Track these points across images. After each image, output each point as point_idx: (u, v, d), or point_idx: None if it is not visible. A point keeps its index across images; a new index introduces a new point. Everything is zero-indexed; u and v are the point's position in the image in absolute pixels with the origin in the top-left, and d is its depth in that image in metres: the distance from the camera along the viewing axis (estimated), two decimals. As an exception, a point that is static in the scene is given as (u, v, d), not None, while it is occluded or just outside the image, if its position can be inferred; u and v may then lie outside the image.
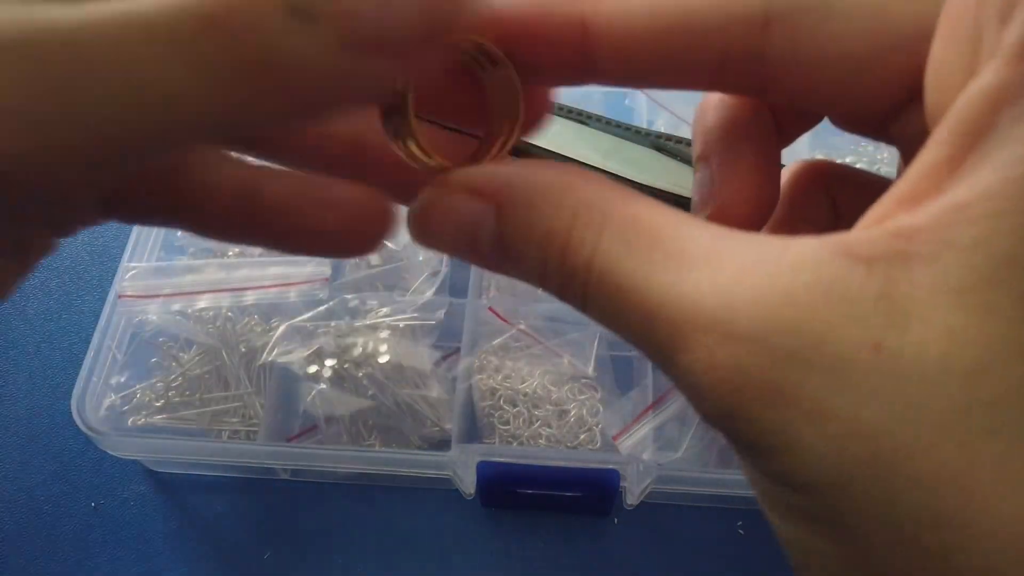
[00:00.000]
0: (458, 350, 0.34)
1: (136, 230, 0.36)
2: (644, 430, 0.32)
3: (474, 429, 0.34)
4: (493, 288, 0.37)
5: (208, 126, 0.12)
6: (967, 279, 0.11)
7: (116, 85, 0.11)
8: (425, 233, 0.16)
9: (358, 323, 0.34)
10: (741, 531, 0.33)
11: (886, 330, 0.12)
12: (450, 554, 0.32)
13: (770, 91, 0.16)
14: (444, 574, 0.32)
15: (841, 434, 0.12)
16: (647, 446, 0.31)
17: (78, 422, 0.31)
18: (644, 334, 0.14)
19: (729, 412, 0.13)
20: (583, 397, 0.34)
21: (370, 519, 0.33)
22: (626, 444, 0.32)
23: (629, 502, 0.31)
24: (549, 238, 0.15)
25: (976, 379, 0.12)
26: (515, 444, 0.33)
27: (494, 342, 0.35)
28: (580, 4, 0.16)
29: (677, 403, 0.34)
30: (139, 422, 0.33)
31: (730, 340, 0.12)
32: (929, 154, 0.12)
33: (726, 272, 0.13)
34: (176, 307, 0.35)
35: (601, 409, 0.34)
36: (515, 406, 0.33)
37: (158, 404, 0.34)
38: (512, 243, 0.16)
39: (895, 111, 0.14)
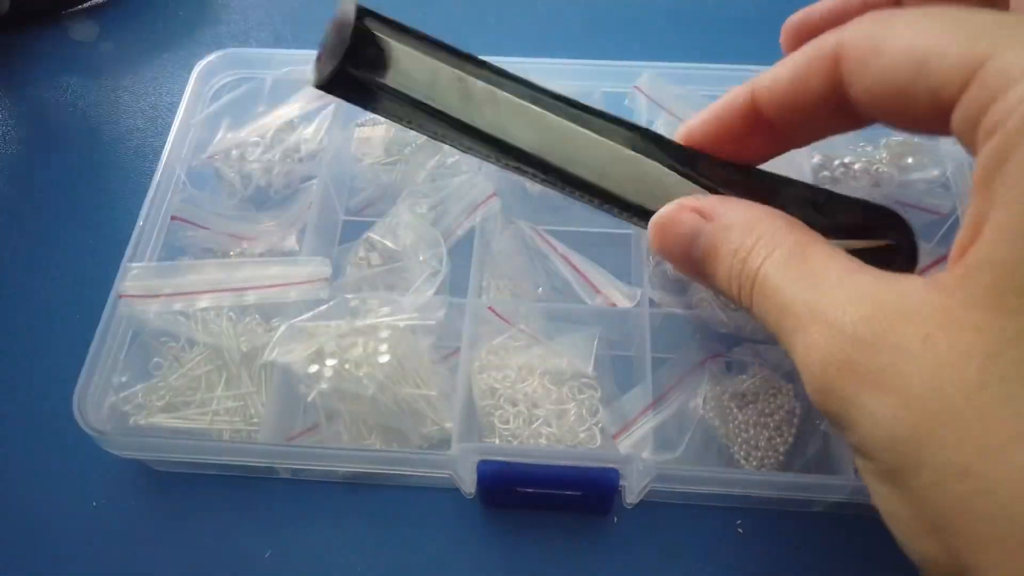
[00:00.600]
0: (458, 350, 0.34)
1: (137, 230, 0.36)
2: (643, 429, 0.32)
3: (474, 428, 0.34)
4: (493, 288, 0.37)
5: None
6: (980, 301, 0.16)
7: None
8: (658, 234, 0.24)
9: (359, 323, 0.34)
10: (740, 530, 0.33)
11: (935, 327, 0.16)
12: (450, 554, 0.32)
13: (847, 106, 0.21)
14: (444, 574, 0.32)
15: (896, 404, 0.16)
16: (646, 445, 0.31)
17: (79, 421, 0.31)
18: (779, 323, 0.19)
19: (822, 386, 0.18)
20: (583, 396, 0.34)
21: (370, 518, 0.33)
22: (626, 443, 0.32)
23: (629, 501, 0.31)
24: (738, 251, 0.21)
25: (990, 361, 0.15)
26: (515, 443, 0.33)
27: (494, 341, 0.35)
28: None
29: (677, 403, 0.34)
30: (140, 422, 0.34)
31: (828, 328, 0.18)
32: (970, 208, 0.17)
33: (840, 291, 0.18)
34: (177, 307, 0.35)
35: (601, 408, 0.34)
36: (515, 405, 0.34)
37: (159, 404, 0.34)
38: (714, 252, 0.22)
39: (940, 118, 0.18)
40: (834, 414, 0.18)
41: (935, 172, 0.39)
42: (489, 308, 0.35)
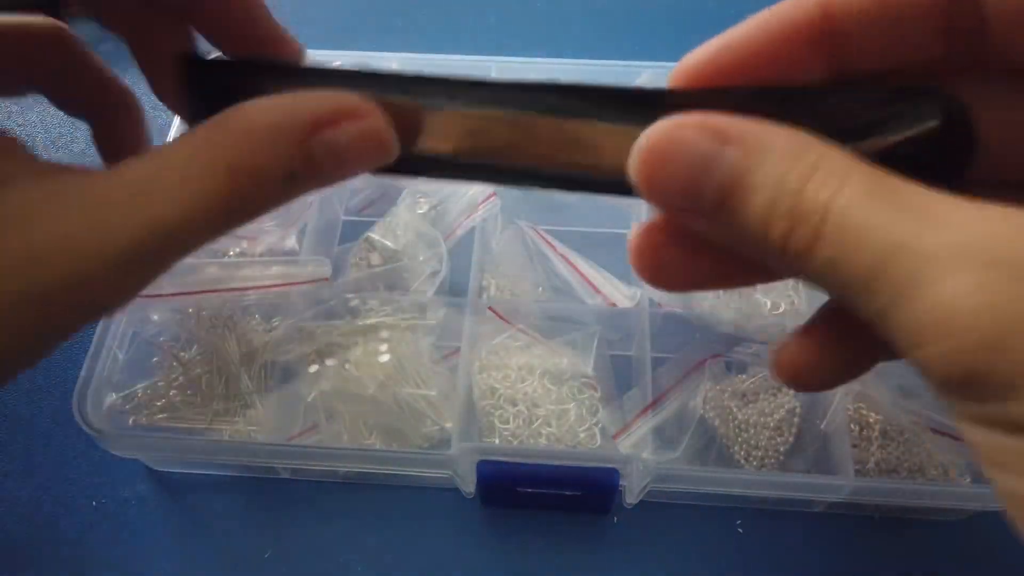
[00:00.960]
0: (458, 350, 0.34)
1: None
2: (643, 429, 0.32)
3: (475, 428, 0.34)
4: (494, 288, 0.37)
5: None
6: None
7: None
8: (651, 162, 0.18)
9: (359, 322, 0.34)
10: (740, 530, 0.33)
11: None
12: (449, 553, 0.32)
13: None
14: (444, 573, 0.32)
15: None
16: (646, 445, 0.32)
17: (79, 421, 0.31)
18: (876, 271, 0.15)
19: (995, 339, 0.14)
20: (583, 396, 0.34)
21: (370, 518, 0.33)
22: (625, 443, 0.32)
23: (628, 501, 0.31)
24: (784, 182, 0.16)
25: None
26: (515, 443, 0.33)
27: (494, 341, 0.35)
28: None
29: (677, 402, 0.34)
30: (140, 421, 0.34)
31: (992, 268, 0.14)
32: None
33: (986, 224, 0.14)
34: (177, 306, 0.35)
35: (601, 408, 0.34)
36: (515, 405, 0.34)
37: (159, 403, 0.34)
38: (741, 185, 0.17)
39: None
40: (980, 378, 0.14)
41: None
42: (489, 308, 0.35)
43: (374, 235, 0.37)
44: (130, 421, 0.34)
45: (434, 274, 0.35)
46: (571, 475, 0.31)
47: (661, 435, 0.33)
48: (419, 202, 0.38)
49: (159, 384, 0.34)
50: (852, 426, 0.33)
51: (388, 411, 0.33)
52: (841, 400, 0.33)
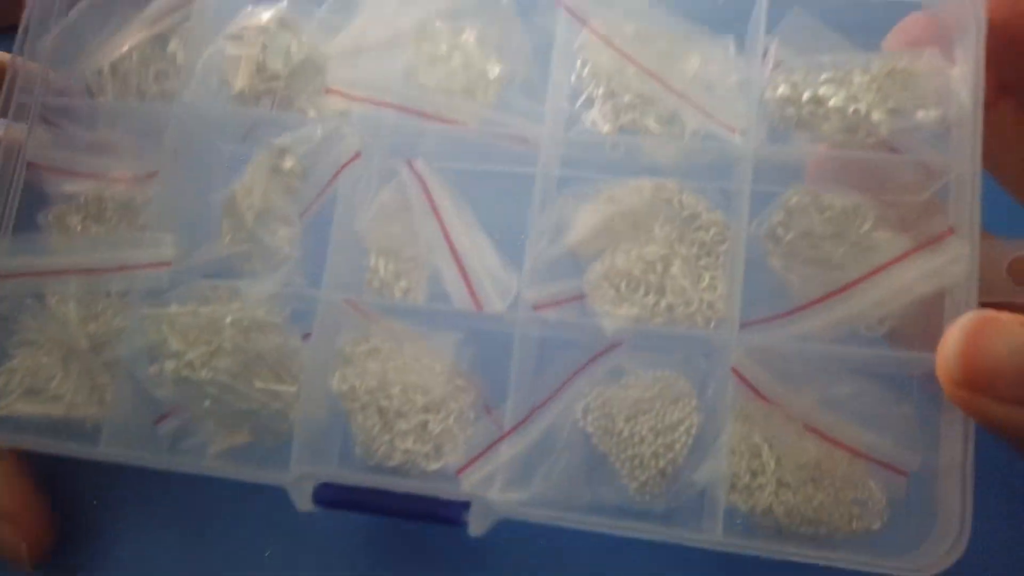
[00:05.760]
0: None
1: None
2: (496, 462, 0.29)
3: (322, 437, 0.31)
4: (383, 268, 0.32)
5: None
6: None
7: None
8: (971, 349, 0.20)
9: (203, 309, 0.31)
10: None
11: None
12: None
13: None
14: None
15: None
16: (503, 475, 0.28)
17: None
18: None
19: None
20: (454, 407, 0.31)
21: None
22: (472, 478, 0.29)
23: (474, 534, 0.29)
24: None
25: None
26: (371, 452, 0.30)
27: (351, 340, 0.31)
28: None
29: (549, 418, 0.30)
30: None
31: None
32: None
33: None
34: (23, 290, 0.32)
35: (465, 424, 0.30)
36: (373, 414, 0.31)
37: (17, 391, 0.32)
38: None
39: None
40: None
41: (934, 113, 0.30)
42: (345, 302, 0.31)
43: (234, 199, 0.33)
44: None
45: (285, 260, 0.31)
46: (415, 507, 0.28)
47: (525, 459, 0.29)
48: (284, 156, 0.32)
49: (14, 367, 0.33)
50: (740, 462, 0.28)
51: (239, 410, 0.31)
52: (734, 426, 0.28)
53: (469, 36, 0.34)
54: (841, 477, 0.28)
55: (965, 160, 0.28)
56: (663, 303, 0.30)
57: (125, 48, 0.34)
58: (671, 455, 0.29)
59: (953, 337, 0.22)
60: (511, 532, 0.27)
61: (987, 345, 0.20)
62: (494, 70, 0.34)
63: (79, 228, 0.34)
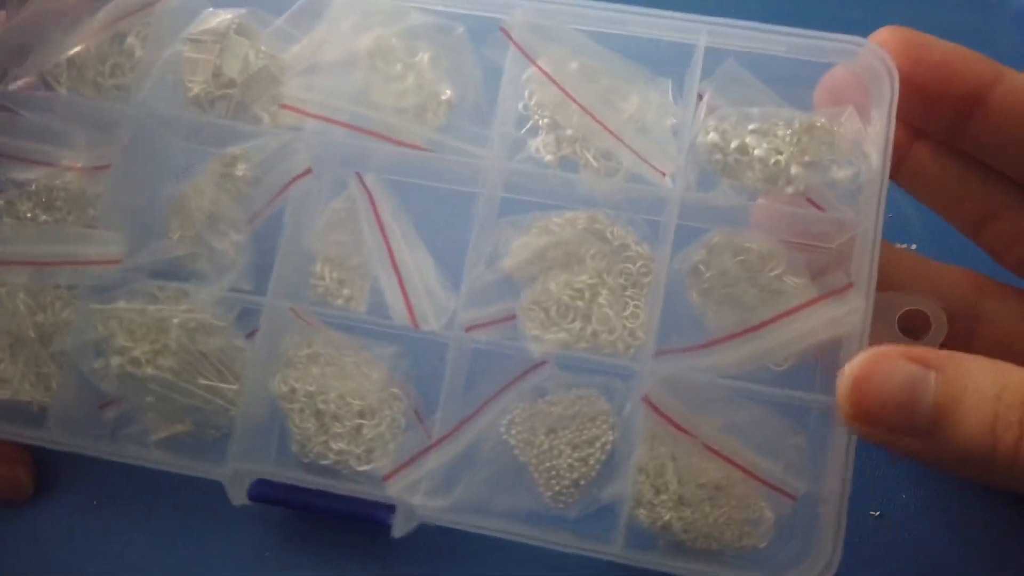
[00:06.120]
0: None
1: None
2: (422, 470, 0.31)
3: (260, 435, 0.33)
4: (328, 277, 0.34)
5: None
6: None
7: None
8: (858, 391, 0.22)
9: (151, 308, 0.32)
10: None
11: None
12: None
13: None
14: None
15: None
16: (420, 488, 0.30)
17: None
18: None
19: None
20: (387, 413, 0.33)
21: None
22: (399, 484, 0.31)
23: (397, 535, 0.31)
24: (1005, 395, 0.20)
25: None
26: (307, 451, 0.32)
27: (294, 345, 0.32)
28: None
29: (478, 427, 0.32)
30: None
31: None
32: None
33: None
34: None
35: (397, 432, 0.33)
36: (310, 416, 0.32)
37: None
38: (955, 402, 0.21)
39: None
40: None
41: (848, 172, 0.33)
42: (291, 310, 0.32)
43: (182, 201, 0.34)
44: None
45: (232, 264, 0.32)
46: (344, 508, 0.30)
47: (449, 468, 0.31)
48: (237, 162, 0.34)
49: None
50: (645, 480, 0.31)
51: (182, 405, 0.32)
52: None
53: (423, 57, 0.36)
54: (736, 497, 0.31)
55: (870, 218, 0.31)
56: (588, 329, 0.32)
57: (83, 44, 0.35)
58: (585, 468, 0.32)
59: (846, 375, 0.24)
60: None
61: (875, 380, 0.22)
62: (445, 92, 0.35)
63: (29, 216, 0.35)
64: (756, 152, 0.33)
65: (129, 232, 0.33)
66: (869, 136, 0.32)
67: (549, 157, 0.34)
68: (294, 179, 0.33)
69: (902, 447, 0.23)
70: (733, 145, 0.33)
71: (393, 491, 0.30)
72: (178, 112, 0.34)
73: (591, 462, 0.32)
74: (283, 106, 0.33)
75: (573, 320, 0.32)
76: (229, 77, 0.35)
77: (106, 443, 0.33)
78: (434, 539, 0.32)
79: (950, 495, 0.35)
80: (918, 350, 0.23)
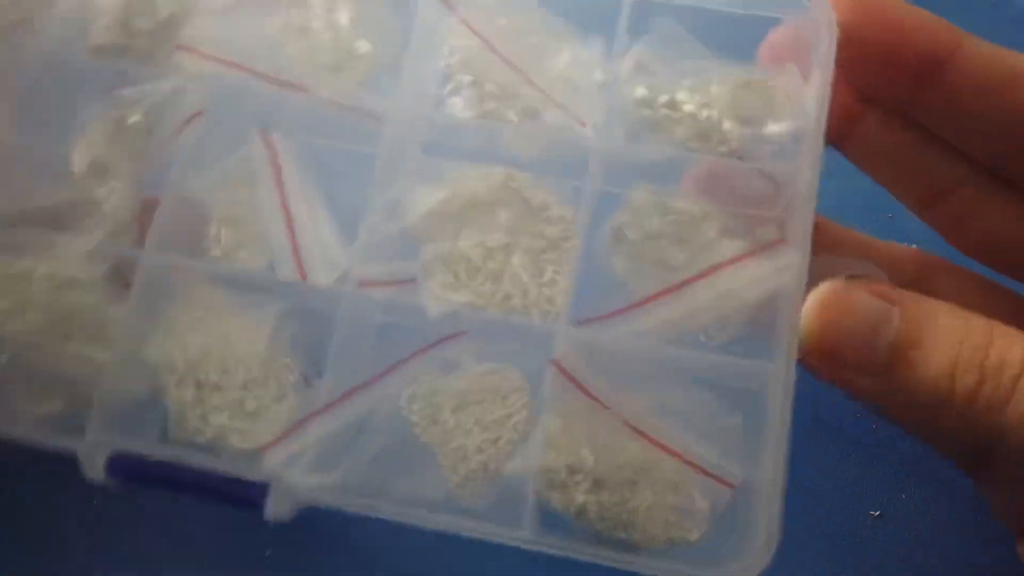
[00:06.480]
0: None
1: None
2: (303, 442, 0.27)
3: (138, 409, 0.29)
4: (224, 236, 0.31)
5: None
6: None
7: None
8: (823, 319, 0.21)
9: (16, 261, 0.29)
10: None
11: None
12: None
13: None
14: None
15: None
16: (300, 462, 0.27)
17: None
18: None
19: None
20: (274, 384, 0.29)
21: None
22: (273, 459, 0.27)
23: (271, 518, 0.27)
24: (971, 339, 0.19)
25: None
26: (184, 427, 0.29)
27: (173, 308, 0.29)
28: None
29: (367, 401, 0.28)
30: None
31: None
32: None
33: None
34: None
35: (290, 394, 0.29)
36: (190, 387, 0.29)
37: None
38: (917, 340, 0.20)
39: None
40: None
41: (784, 126, 0.30)
42: (172, 267, 0.29)
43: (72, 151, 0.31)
44: None
45: (113, 214, 0.29)
46: (212, 486, 0.27)
47: (336, 443, 0.28)
48: (131, 109, 0.31)
49: None
50: (557, 457, 0.27)
51: (46, 374, 0.29)
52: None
53: (342, 14, 0.34)
54: (663, 483, 0.27)
55: (804, 171, 0.28)
56: (499, 293, 0.29)
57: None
58: (494, 450, 0.28)
59: (809, 303, 0.23)
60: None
61: (837, 317, 0.21)
62: (363, 47, 0.33)
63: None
64: (686, 107, 0.30)
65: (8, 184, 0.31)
66: (809, 92, 0.30)
67: (469, 113, 0.32)
68: (185, 123, 0.30)
69: (855, 388, 0.22)
70: (662, 100, 0.30)
71: (269, 467, 0.27)
72: (75, 62, 0.32)
73: (501, 443, 0.28)
74: (179, 46, 0.31)
75: (483, 282, 0.29)
76: (135, 27, 0.33)
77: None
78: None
79: (950, 495, 0.34)
80: (881, 286, 0.22)
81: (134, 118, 0.31)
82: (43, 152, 0.32)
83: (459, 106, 0.32)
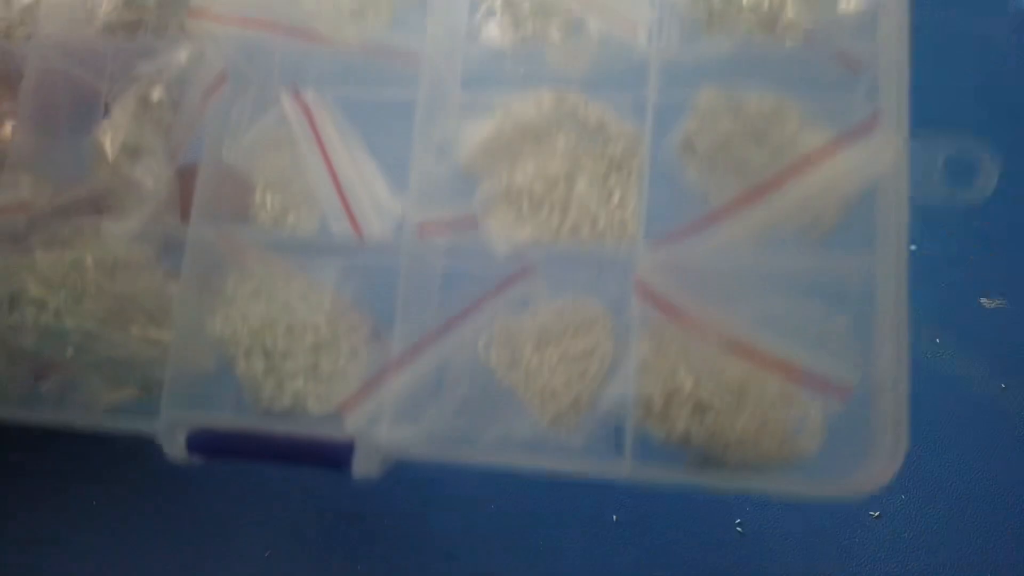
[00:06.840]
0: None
1: None
2: (382, 398, 0.26)
3: (209, 385, 0.28)
4: (270, 203, 0.30)
5: None
6: None
7: None
8: None
9: (66, 253, 0.28)
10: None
11: None
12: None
13: None
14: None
15: None
16: (383, 418, 0.25)
17: None
18: None
19: None
20: (345, 344, 0.28)
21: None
22: (355, 417, 0.26)
23: (358, 476, 0.26)
24: None
25: None
26: (260, 398, 0.27)
27: (230, 280, 0.28)
28: None
29: (442, 350, 0.27)
30: None
31: None
32: None
33: None
34: None
35: (364, 350, 0.28)
36: (259, 357, 0.28)
37: None
38: None
39: None
40: None
41: (856, 2, 0.27)
42: (219, 237, 0.28)
43: (101, 135, 0.30)
44: None
45: (147, 196, 0.28)
46: (296, 450, 0.26)
47: (417, 395, 0.26)
48: (153, 86, 0.30)
49: None
50: (653, 384, 0.25)
51: (109, 359, 0.28)
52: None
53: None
54: (770, 398, 0.25)
55: (892, 45, 0.25)
56: (567, 224, 0.27)
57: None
58: (583, 384, 0.27)
59: None
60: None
61: None
62: (385, -13, 0.31)
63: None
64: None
65: (44, 176, 0.30)
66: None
67: (507, 39, 0.30)
68: (210, 90, 0.28)
69: None
70: (718, -9, 0.28)
71: (351, 426, 0.25)
72: (85, 42, 0.31)
73: (590, 376, 0.27)
74: (191, 12, 0.29)
75: (549, 214, 0.27)
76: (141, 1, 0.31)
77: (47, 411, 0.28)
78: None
79: (950, 495, 0.34)
80: None
81: (157, 94, 0.30)
82: (71, 142, 0.31)
83: (495, 32, 0.30)
